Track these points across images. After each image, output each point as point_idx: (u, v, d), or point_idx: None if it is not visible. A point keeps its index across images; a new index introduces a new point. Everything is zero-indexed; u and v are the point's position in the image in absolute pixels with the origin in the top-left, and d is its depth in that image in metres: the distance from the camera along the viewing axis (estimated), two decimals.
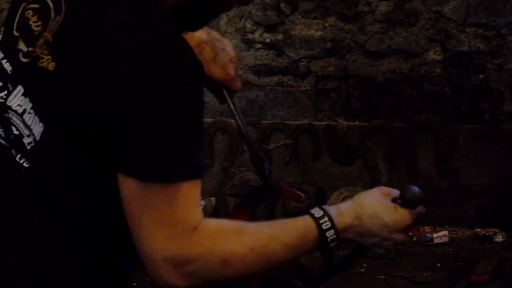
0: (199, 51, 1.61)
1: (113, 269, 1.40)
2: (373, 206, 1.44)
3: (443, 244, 2.66)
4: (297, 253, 1.39)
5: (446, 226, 2.89)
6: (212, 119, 3.11)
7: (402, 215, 1.44)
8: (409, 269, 2.33)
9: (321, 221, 1.38)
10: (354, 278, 2.22)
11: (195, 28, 1.42)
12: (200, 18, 1.39)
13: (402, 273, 2.27)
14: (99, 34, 1.25)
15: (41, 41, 1.27)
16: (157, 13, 1.27)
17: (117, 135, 1.25)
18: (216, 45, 1.65)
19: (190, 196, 1.29)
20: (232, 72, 1.65)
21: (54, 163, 1.29)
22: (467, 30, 2.95)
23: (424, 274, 2.27)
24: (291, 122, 3.07)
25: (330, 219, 1.39)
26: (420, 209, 1.47)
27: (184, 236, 1.28)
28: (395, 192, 1.47)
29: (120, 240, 1.37)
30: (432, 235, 2.66)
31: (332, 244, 1.40)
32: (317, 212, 1.40)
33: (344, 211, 1.43)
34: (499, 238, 2.68)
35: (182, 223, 1.28)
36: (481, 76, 2.95)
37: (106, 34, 1.25)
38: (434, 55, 2.99)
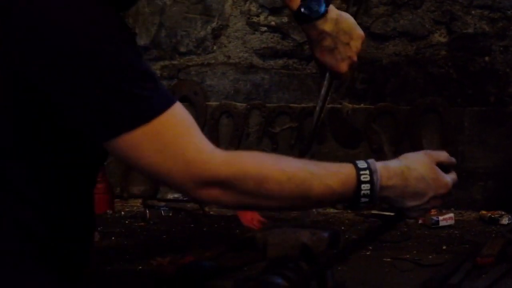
0: (320, 40, 1.74)
1: (58, 253, 1.39)
2: (421, 169, 1.44)
3: (449, 226, 2.66)
4: (334, 197, 1.38)
5: (452, 209, 2.89)
6: (218, 103, 3.10)
7: (447, 181, 1.45)
8: (415, 251, 2.33)
9: (361, 172, 1.38)
10: (360, 261, 2.22)
11: (124, 8, 1.43)
12: None
13: (408, 256, 2.27)
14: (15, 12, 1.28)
15: None
16: None
17: (59, 108, 1.27)
18: (341, 38, 1.74)
19: (178, 123, 1.28)
20: (344, 69, 1.82)
21: None
22: (473, 12, 2.93)
23: (430, 256, 2.27)
24: (296, 105, 3.07)
25: (371, 174, 1.38)
26: (454, 175, 1.49)
27: (202, 157, 1.27)
28: (441, 156, 1.48)
29: (62, 222, 1.37)
30: (438, 217, 2.66)
31: (363, 200, 1.39)
32: (361, 163, 1.40)
33: (392, 169, 1.43)
34: (505, 221, 2.68)
35: (190, 148, 1.28)
36: (486, 58, 2.94)
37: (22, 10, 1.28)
38: (439, 37, 2.97)
